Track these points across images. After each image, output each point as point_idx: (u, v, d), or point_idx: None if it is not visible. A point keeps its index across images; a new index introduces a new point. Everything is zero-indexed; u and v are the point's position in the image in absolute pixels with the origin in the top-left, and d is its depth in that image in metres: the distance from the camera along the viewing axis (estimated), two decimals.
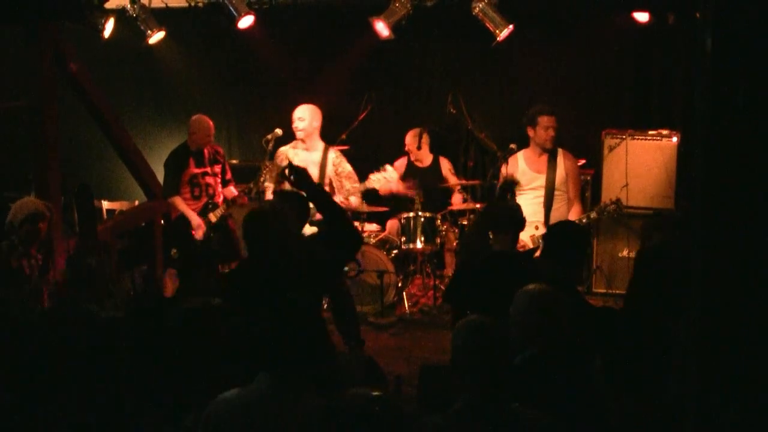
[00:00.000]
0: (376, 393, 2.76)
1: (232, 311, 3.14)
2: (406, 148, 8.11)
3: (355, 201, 6.50)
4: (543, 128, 6.59)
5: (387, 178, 6.51)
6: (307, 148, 6.50)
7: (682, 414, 2.16)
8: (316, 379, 2.82)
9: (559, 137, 6.79)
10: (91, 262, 5.61)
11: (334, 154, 6.52)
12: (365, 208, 7.90)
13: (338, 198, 6.33)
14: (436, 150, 8.17)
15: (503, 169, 6.65)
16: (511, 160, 6.72)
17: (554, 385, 3.23)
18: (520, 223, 4.85)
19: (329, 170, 6.44)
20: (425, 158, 8.10)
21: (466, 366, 2.83)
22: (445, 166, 8.10)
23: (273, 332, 2.82)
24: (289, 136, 7.27)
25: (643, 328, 3.89)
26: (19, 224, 5.39)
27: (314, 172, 6.48)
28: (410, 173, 8.09)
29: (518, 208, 4.98)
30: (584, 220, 6.30)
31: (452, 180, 8.01)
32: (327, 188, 6.36)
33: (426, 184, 7.78)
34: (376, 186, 6.51)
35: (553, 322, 3.32)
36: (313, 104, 6.95)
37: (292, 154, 6.59)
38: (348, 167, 6.49)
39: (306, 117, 6.50)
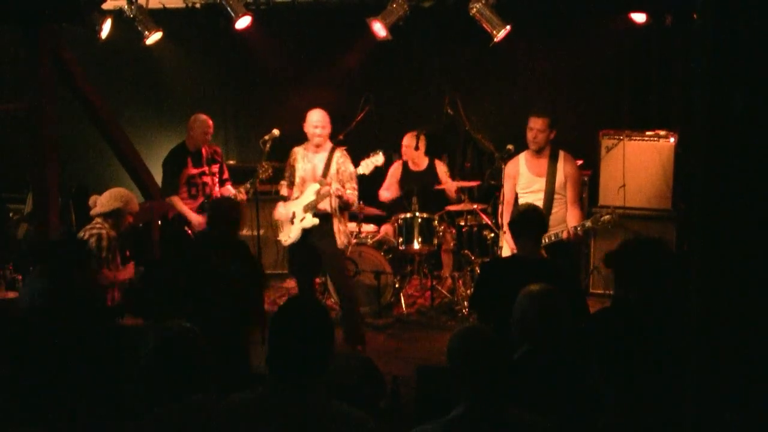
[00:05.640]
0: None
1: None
2: (403, 150, 8.11)
3: (352, 197, 6.66)
4: (528, 129, 6.57)
5: (375, 164, 6.62)
6: (318, 150, 6.66)
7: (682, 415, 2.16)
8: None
9: (557, 139, 6.77)
10: None
11: (338, 154, 6.66)
12: (363, 209, 7.92)
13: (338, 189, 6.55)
14: (432, 153, 8.18)
15: (504, 170, 6.65)
16: (512, 162, 6.68)
17: (549, 383, 3.24)
18: (542, 226, 4.81)
19: (332, 169, 6.59)
20: (421, 161, 8.10)
21: (461, 373, 2.83)
22: (441, 169, 8.10)
23: (285, 336, 2.78)
24: (287, 137, 7.26)
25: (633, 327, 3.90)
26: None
27: (319, 171, 6.62)
28: (406, 177, 8.10)
29: (539, 211, 4.93)
30: (579, 230, 6.25)
31: (448, 182, 8.01)
32: (330, 184, 6.55)
33: (422, 187, 7.80)
34: (365, 172, 6.62)
35: (553, 323, 3.33)
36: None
37: (301, 155, 6.73)
38: (350, 168, 6.65)
39: (327, 124, 6.65)
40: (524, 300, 3.41)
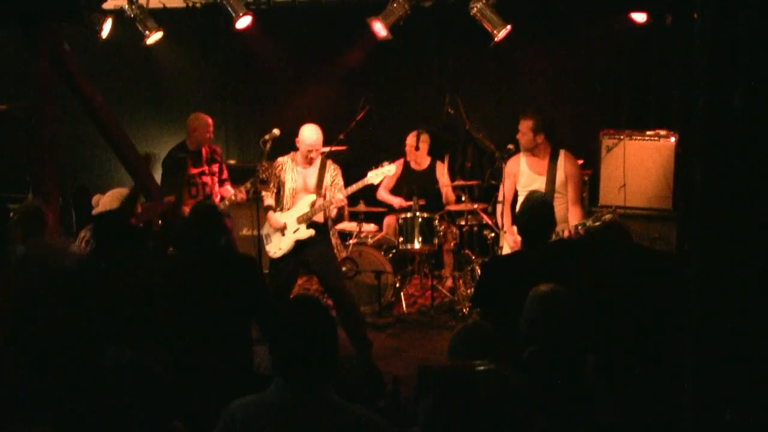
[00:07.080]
0: None
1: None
2: (406, 149, 8.10)
3: (340, 197, 6.59)
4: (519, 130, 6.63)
5: (385, 174, 6.59)
6: (309, 166, 6.55)
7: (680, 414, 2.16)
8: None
9: (558, 138, 6.78)
10: None
11: (332, 167, 6.57)
12: (363, 208, 7.91)
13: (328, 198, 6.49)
14: (434, 153, 8.16)
15: (504, 169, 6.65)
16: (512, 160, 6.69)
17: (551, 383, 3.24)
18: (547, 229, 4.66)
19: (326, 182, 6.51)
20: (423, 161, 8.09)
21: None
22: (440, 171, 8.08)
23: (290, 337, 2.78)
24: (287, 136, 7.25)
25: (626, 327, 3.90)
26: None
27: (311, 183, 6.53)
28: (406, 176, 8.09)
29: (548, 213, 4.78)
30: (580, 229, 6.24)
31: (446, 186, 7.99)
32: (323, 197, 6.48)
33: (422, 187, 7.79)
34: (375, 182, 6.58)
35: (556, 324, 3.33)
36: (315, 122, 6.85)
37: (290, 166, 6.58)
38: (341, 181, 6.59)
39: (320, 144, 6.51)
40: (531, 301, 3.41)
